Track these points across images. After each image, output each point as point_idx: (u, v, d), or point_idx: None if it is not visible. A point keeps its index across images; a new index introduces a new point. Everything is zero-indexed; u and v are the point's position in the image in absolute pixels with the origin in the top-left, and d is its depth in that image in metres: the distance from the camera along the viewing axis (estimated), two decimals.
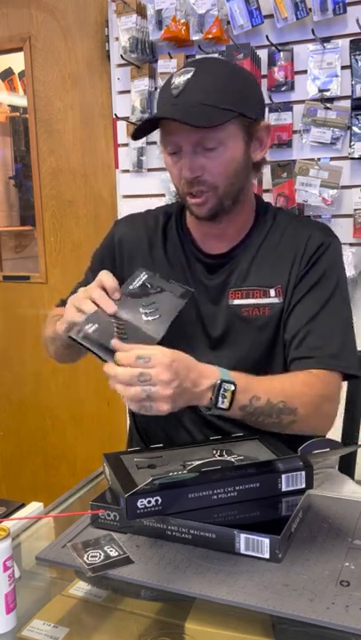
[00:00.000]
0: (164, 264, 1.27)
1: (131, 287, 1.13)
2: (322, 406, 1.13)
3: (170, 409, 0.95)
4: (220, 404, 1.00)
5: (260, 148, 1.19)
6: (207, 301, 1.24)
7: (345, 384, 1.33)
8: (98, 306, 1.05)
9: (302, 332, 1.17)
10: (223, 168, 1.13)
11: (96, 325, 1.03)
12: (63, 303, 1.40)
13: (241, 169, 1.16)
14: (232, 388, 1.01)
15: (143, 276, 1.15)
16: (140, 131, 1.16)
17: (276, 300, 1.20)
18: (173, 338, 1.12)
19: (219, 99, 1.08)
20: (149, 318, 1.07)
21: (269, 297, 1.20)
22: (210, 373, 1.01)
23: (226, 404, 1.01)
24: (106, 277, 1.09)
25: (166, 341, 1.09)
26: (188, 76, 1.08)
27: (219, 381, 1.00)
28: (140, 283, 1.14)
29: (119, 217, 2.33)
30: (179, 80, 1.09)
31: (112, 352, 0.98)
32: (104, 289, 1.08)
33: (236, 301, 1.21)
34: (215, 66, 1.16)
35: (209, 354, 1.22)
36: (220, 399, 1.00)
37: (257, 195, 1.30)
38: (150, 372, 0.92)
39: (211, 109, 1.07)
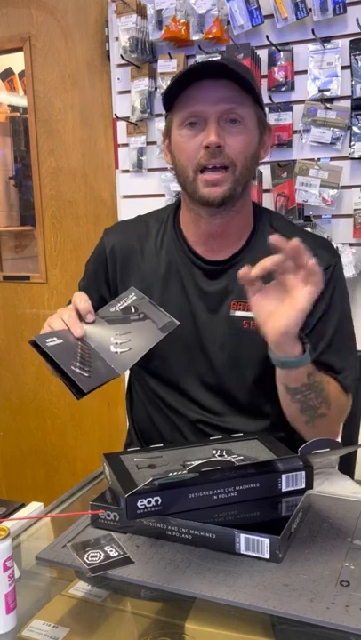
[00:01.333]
0: (157, 271, 1.24)
1: (113, 309, 1.10)
2: (343, 416, 1.20)
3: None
4: (310, 350, 1.02)
5: (263, 148, 1.20)
6: (205, 309, 1.20)
7: None
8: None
9: (322, 357, 1.17)
10: (243, 146, 1.12)
11: (60, 341, 1.01)
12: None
13: (254, 157, 1.16)
14: (308, 345, 1.03)
15: (132, 297, 1.12)
16: (174, 89, 1.12)
17: None
18: (167, 346, 1.12)
19: (250, 79, 1.12)
20: (118, 350, 1.03)
21: None
22: None
23: (312, 352, 1.03)
24: (78, 300, 1.09)
25: (160, 349, 1.09)
26: (217, 57, 1.12)
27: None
28: (126, 305, 1.10)
29: (119, 217, 2.34)
30: (208, 59, 1.12)
31: (61, 371, 0.97)
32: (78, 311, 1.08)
33: (238, 313, 1.18)
34: (237, 61, 1.21)
35: (205, 366, 1.21)
36: (307, 345, 1.02)
37: (253, 200, 1.28)
38: None
39: (246, 80, 1.10)
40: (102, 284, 1.31)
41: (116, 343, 1.04)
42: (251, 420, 1.21)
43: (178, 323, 1.08)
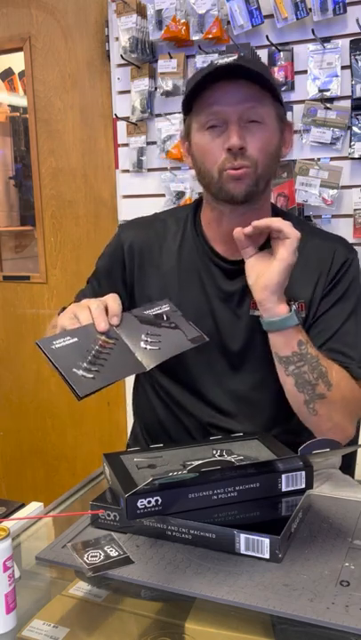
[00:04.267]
0: (176, 270, 1.24)
1: (147, 312, 1.10)
2: (349, 406, 1.14)
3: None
4: (296, 310, 1.08)
5: (285, 145, 1.20)
6: (224, 309, 1.20)
7: None
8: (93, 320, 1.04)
9: (327, 344, 1.17)
10: (264, 144, 1.12)
11: (74, 340, 1.00)
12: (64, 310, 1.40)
13: (275, 154, 1.16)
14: (294, 307, 1.09)
15: (165, 307, 1.12)
16: (191, 93, 1.12)
17: None
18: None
19: (269, 76, 1.12)
20: (147, 347, 1.04)
21: None
22: None
23: (299, 316, 1.10)
24: (111, 301, 1.07)
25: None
26: (235, 57, 1.10)
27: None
28: (158, 312, 1.10)
29: (119, 217, 2.34)
30: (225, 60, 1.09)
31: (70, 372, 0.96)
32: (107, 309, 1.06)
33: (258, 312, 1.17)
34: (255, 58, 1.23)
35: (223, 366, 1.21)
36: (293, 306, 1.09)
37: (272, 203, 1.28)
38: None
39: (265, 79, 1.10)
40: (118, 280, 1.29)
41: (146, 340, 1.05)
42: (263, 423, 1.20)
43: (207, 339, 1.09)
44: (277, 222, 1.06)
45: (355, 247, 1.89)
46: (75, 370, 0.97)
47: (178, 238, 1.26)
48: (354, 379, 1.14)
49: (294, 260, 1.06)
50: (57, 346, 0.99)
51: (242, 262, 1.20)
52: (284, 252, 1.05)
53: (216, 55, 2.00)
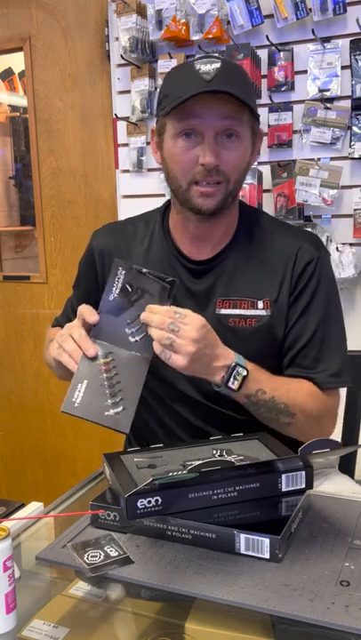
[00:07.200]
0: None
1: (112, 297, 1.09)
2: (321, 420, 1.18)
3: (185, 366, 1.00)
4: (230, 384, 1.06)
5: (254, 155, 1.20)
6: (191, 308, 1.17)
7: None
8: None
9: (302, 353, 1.18)
10: (238, 161, 1.13)
11: (85, 383, 1.02)
12: (57, 323, 1.41)
13: (246, 168, 1.17)
14: (244, 373, 1.07)
15: (121, 275, 1.10)
16: (172, 100, 1.11)
17: (263, 313, 1.19)
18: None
19: (245, 93, 1.10)
20: (136, 339, 1.06)
21: (257, 309, 1.19)
22: (228, 354, 1.07)
23: (236, 386, 1.07)
24: (84, 309, 1.09)
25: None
26: (217, 65, 1.09)
27: (233, 363, 1.06)
28: (120, 286, 1.09)
29: (119, 217, 2.34)
30: (208, 67, 1.08)
31: (105, 417, 1.00)
32: (85, 323, 1.08)
33: (223, 311, 1.20)
34: (235, 65, 1.19)
35: None
36: (231, 379, 1.06)
37: (240, 201, 1.28)
38: (181, 325, 1.00)
39: (244, 98, 1.09)
40: (93, 285, 1.31)
41: (132, 332, 1.07)
42: (238, 415, 1.21)
43: (173, 280, 1.07)
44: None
45: (355, 247, 1.90)
46: (106, 413, 1.01)
47: (146, 240, 1.28)
48: (320, 388, 1.17)
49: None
50: (78, 401, 1.01)
51: (207, 262, 1.22)
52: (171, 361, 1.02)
53: (215, 55, 2.00)
